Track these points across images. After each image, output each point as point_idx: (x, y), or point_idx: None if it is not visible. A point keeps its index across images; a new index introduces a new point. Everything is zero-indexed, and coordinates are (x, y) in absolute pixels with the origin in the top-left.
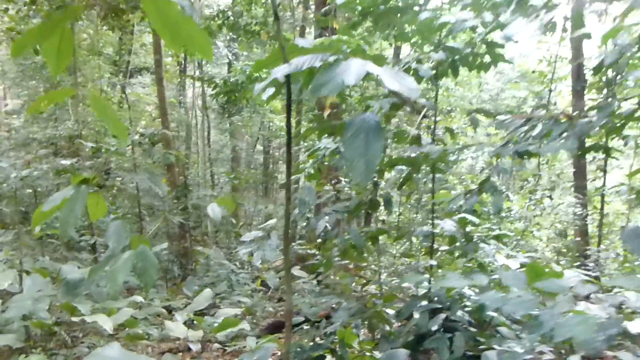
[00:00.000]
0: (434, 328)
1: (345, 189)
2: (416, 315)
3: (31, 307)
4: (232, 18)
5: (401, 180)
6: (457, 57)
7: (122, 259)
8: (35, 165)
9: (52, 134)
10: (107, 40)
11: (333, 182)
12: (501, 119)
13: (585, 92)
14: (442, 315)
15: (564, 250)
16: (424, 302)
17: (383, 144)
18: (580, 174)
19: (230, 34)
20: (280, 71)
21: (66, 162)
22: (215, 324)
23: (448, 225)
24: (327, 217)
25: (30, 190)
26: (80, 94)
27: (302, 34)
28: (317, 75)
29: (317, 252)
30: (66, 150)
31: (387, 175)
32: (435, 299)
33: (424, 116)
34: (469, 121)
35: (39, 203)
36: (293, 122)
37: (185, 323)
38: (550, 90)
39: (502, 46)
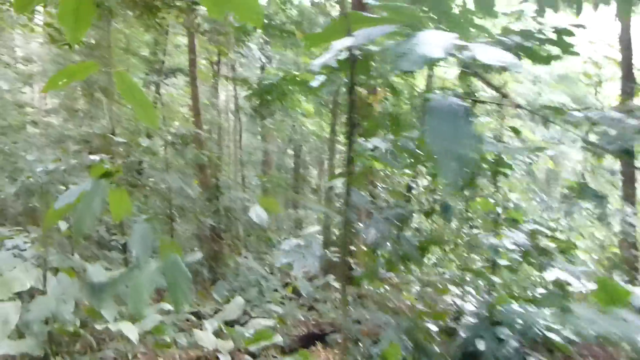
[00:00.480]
0: (482, 348)
1: (382, 194)
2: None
3: (54, 309)
4: (266, 18)
5: (463, 183)
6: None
7: (148, 271)
8: (66, 161)
9: (86, 131)
10: (142, 40)
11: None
12: (578, 114)
13: (635, 93)
14: (512, 343)
15: (607, 262)
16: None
17: (475, 134)
18: (629, 181)
19: (264, 36)
20: (343, 44)
21: (95, 157)
22: (248, 335)
23: (519, 237)
24: (377, 225)
25: (63, 187)
26: (115, 93)
27: None
28: (393, 46)
29: (355, 261)
30: (99, 148)
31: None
32: (500, 320)
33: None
34: (539, 119)
35: None
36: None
37: (214, 331)
38: (597, 92)
39: (572, 34)
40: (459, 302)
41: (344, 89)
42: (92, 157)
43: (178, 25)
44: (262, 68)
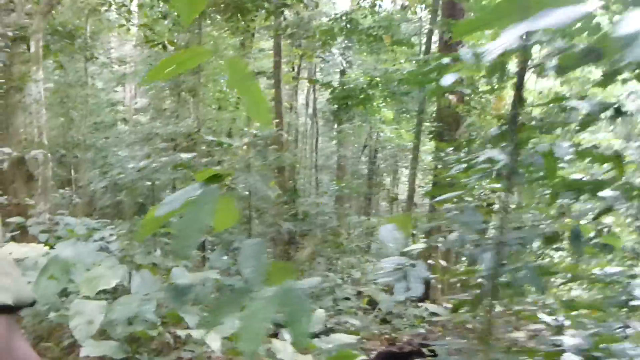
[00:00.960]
0: None
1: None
2: None
3: (137, 309)
4: (352, 22)
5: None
6: None
7: (263, 301)
8: (155, 158)
9: (173, 129)
10: (230, 44)
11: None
12: None
13: None
14: None
15: None
16: None
17: None
18: None
19: (346, 41)
20: (519, 30)
21: (185, 155)
22: (328, 349)
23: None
24: (493, 248)
25: (149, 183)
26: (201, 93)
27: (428, 41)
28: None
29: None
30: (184, 146)
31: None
32: None
33: None
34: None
35: (155, 196)
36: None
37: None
38: None
39: None
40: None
41: (429, 95)
42: (183, 155)
43: (263, 30)
44: (342, 72)
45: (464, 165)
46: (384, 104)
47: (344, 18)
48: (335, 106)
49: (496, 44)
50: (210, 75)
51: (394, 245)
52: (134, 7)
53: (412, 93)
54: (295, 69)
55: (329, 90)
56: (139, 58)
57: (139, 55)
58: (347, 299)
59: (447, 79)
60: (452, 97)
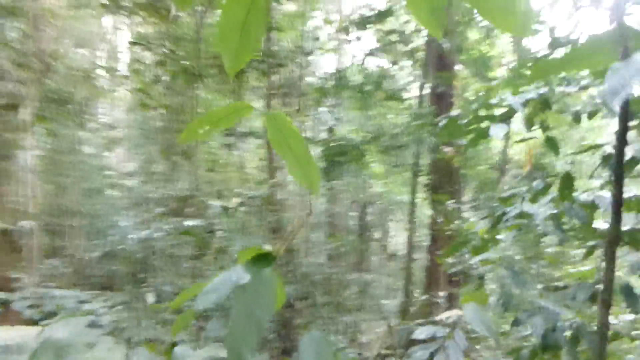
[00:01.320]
0: None
1: None
2: None
3: None
4: (343, 79)
5: None
6: None
7: None
8: (154, 225)
9: (166, 193)
10: (218, 104)
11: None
12: None
13: None
14: None
15: None
16: None
17: None
18: None
19: (333, 99)
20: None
21: (191, 222)
22: None
23: None
24: (544, 313)
25: (143, 252)
26: (195, 155)
27: (421, 94)
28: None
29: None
30: (176, 210)
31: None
32: None
33: None
34: None
35: (150, 265)
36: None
37: None
38: None
39: None
40: None
41: (421, 148)
42: (189, 222)
43: (251, 90)
44: (330, 130)
45: (483, 219)
46: (373, 159)
47: (334, 76)
48: (325, 163)
49: (615, 86)
50: (202, 137)
51: (486, 328)
52: (127, 72)
53: (406, 147)
54: None
55: (322, 148)
56: (129, 122)
57: (131, 120)
58: None
59: (498, 131)
60: (447, 149)
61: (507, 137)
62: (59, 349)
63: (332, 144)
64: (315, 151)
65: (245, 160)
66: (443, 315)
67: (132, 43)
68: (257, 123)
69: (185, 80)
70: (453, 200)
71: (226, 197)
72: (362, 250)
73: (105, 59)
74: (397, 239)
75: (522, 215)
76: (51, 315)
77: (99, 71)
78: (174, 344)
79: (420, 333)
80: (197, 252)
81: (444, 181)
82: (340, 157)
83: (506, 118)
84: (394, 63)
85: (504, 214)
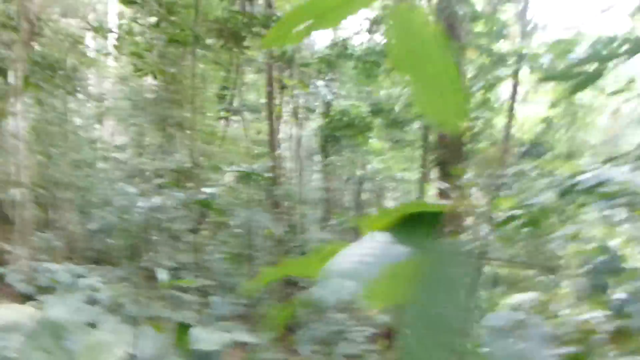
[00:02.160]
0: None
1: None
2: None
3: None
4: (349, 48)
5: None
6: None
7: None
8: (155, 197)
9: (162, 166)
10: (215, 76)
11: None
12: None
13: None
14: None
15: None
16: None
17: None
18: None
19: (330, 73)
20: None
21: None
22: None
23: None
24: None
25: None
26: (193, 126)
27: None
28: None
29: None
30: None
31: None
32: None
33: None
34: None
35: (150, 238)
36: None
37: None
38: None
39: None
40: None
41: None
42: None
43: (248, 62)
44: (328, 104)
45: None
46: (373, 135)
47: (340, 45)
48: (325, 138)
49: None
50: (198, 109)
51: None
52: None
53: (411, 121)
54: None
55: (327, 120)
56: (119, 93)
57: (120, 90)
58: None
59: None
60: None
61: (510, 113)
62: (58, 329)
63: (333, 118)
64: (314, 125)
65: (242, 133)
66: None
67: (126, 2)
68: (251, 96)
69: (184, 43)
70: (468, 175)
71: (225, 170)
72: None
73: (94, 23)
74: None
75: (602, 183)
76: (45, 290)
77: (89, 36)
78: (180, 324)
79: (494, 319)
80: (195, 226)
81: (453, 157)
82: (342, 131)
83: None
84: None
85: (574, 184)
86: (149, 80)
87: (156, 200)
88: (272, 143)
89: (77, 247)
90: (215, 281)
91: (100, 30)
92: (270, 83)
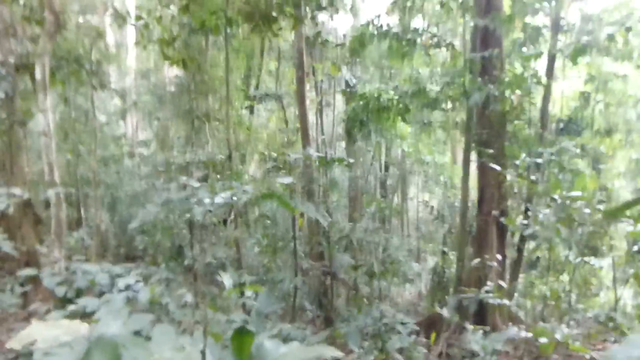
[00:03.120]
0: None
1: None
2: None
3: None
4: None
5: None
6: None
7: None
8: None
9: (191, 159)
10: (238, 64)
11: None
12: None
13: None
14: None
15: None
16: None
17: None
18: None
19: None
20: None
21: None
22: None
23: None
24: None
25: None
26: (224, 117)
27: (475, 39)
28: None
29: None
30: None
31: None
32: None
33: None
34: None
35: (195, 237)
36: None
37: None
38: None
39: None
40: None
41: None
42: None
43: (270, 52)
44: (351, 89)
45: None
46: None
47: (375, 22)
48: (352, 123)
49: None
50: (226, 98)
51: None
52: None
53: (444, 102)
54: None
55: (352, 105)
56: (141, 89)
57: (142, 86)
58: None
59: None
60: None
61: (548, 91)
62: (114, 348)
63: (361, 101)
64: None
65: (267, 122)
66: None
67: None
68: (272, 85)
69: (215, 28)
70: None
71: (259, 160)
72: (388, 213)
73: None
74: (429, 201)
75: None
76: (83, 292)
77: (109, 32)
78: (240, 332)
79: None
80: (231, 220)
81: (492, 136)
82: (373, 114)
83: None
84: (442, 4)
85: None
86: (170, 72)
87: (225, 195)
88: (305, 129)
89: (109, 245)
90: (255, 276)
91: (124, 19)
92: (301, 67)
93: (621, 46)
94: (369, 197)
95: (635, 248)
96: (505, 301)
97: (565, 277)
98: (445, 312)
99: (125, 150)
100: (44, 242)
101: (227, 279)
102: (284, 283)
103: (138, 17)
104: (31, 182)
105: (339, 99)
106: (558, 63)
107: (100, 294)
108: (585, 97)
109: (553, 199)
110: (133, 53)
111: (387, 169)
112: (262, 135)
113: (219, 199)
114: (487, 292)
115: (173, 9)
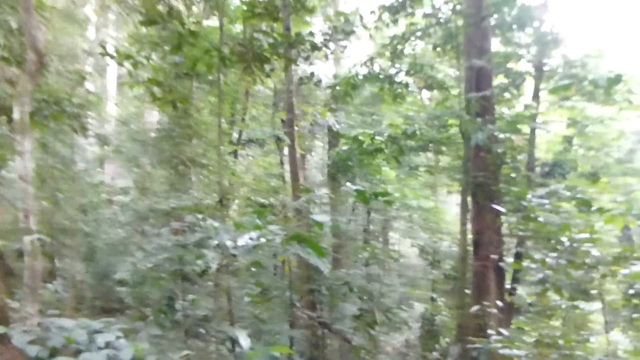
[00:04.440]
0: None
1: None
2: None
3: None
4: (378, 68)
5: None
6: None
7: None
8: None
9: (178, 204)
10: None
11: None
12: None
13: None
14: None
15: None
16: None
17: None
18: None
19: (334, 105)
20: None
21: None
22: None
23: None
24: None
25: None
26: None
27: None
28: None
29: None
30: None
31: None
32: None
33: None
34: None
35: (185, 287)
36: None
37: None
38: None
39: None
40: None
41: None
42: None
43: (255, 95)
44: (333, 135)
45: None
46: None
47: (368, 64)
48: (336, 167)
49: None
50: (212, 142)
51: None
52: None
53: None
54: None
55: (348, 146)
56: (122, 136)
57: (122, 133)
58: None
59: None
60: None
61: (533, 135)
62: None
63: (373, 139)
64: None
65: (249, 167)
66: None
67: (147, 22)
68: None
69: (208, 67)
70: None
71: (245, 205)
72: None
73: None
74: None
75: None
76: (58, 351)
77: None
78: None
79: None
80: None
81: (489, 179)
82: (361, 157)
83: None
84: (435, 47)
85: None
86: (150, 118)
87: (253, 236)
88: (295, 173)
89: (85, 298)
90: (247, 329)
91: (113, 57)
92: (291, 109)
93: (604, 91)
94: (354, 243)
95: (632, 291)
96: (516, 351)
97: (555, 322)
98: None
99: (104, 197)
100: (15, 295)
101: (243, 339)
102: (281, 336)
103: (127, 56)
104: (3, 231)
105: (318, 145)
106: (542, 107)
107: (77, 353)
108: (568, 141)
109: (559, 242)
110: (113, 100)
111: (369, 213)
112: (247, 180)
113: (243, 241)
114: (496, 341)
115: (163, 48)
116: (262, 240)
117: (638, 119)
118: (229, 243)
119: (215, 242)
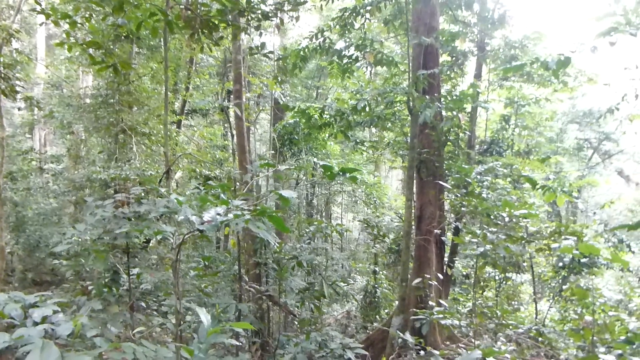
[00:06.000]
0: None
1: None
2: None
3: None
4: (326, 41)
5: None
6: None
7: None
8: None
9: (117, 174)
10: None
11: None
12: None
13: None
14: None
15: None
16: None
17: None
18: None
19: (283, 76)
20: None
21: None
22: None
23: None
24: None
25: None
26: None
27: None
28: None
29: None
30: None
31: None
32: None
33: None
34: None
35: (131, 262)
36: None
37: None
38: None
39: None
40: None
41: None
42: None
43: (200, 63)
44: (280, 105)
45: None
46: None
47: (319, 36)
48: (282, 141)
49: None
50: (154, 110)
51: None
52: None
53: (386, 121)
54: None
55: (302, 119)
56: (54, 100)
57: (55, 97)
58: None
59: None
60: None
61: (474, 113)
62: None
63: (322, 113)
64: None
65: (193, 137)
66: None
67: None
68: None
69: (153, 32)
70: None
71: (189, 177)
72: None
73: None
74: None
75: None
76: None
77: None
78: None
79: None
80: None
81: (433, 155)
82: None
83: None
84: (386, 22)
85: None
86: (85, 83)
87: (220, 212)
88: (242, 146)
89: (15, 269)
90: (192, 302)
91: (56, 13)
92: (238, 80)
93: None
94: (297, 217)
95: (561, 264)
96: (456, 322)
97: (488, 294)
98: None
99: (34, 165)
100: None
101: (203, 315)
102: (230, 309)
103: (65, 15)
104: None
105: (263, 117)
106: (481, 87)
107: (11, 328)
108: (505, 120)
109: (498, 217)
110: (43, 61)
111: (313, 187)
112: (191, 151)
113: (209, 216)
114: (437, 312)
115: (104, 8)
116: (230, 216)
117: (569, 101)
118: (194, 218)
119: (180, 217)
